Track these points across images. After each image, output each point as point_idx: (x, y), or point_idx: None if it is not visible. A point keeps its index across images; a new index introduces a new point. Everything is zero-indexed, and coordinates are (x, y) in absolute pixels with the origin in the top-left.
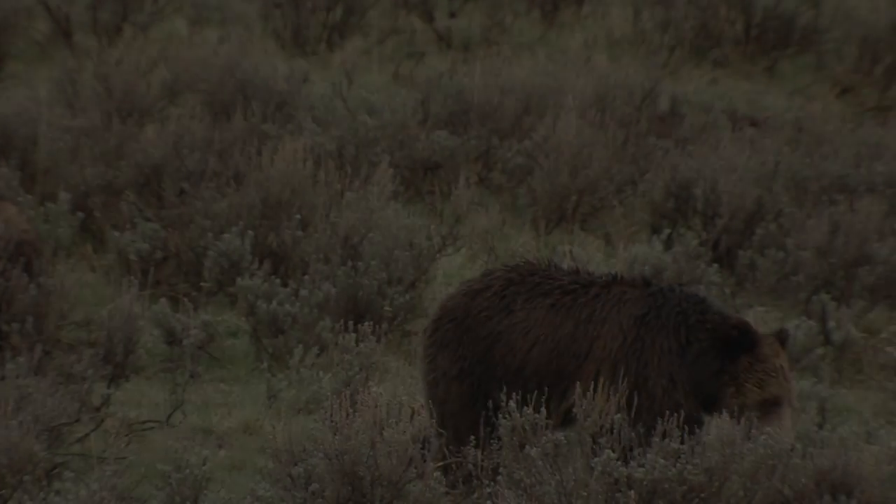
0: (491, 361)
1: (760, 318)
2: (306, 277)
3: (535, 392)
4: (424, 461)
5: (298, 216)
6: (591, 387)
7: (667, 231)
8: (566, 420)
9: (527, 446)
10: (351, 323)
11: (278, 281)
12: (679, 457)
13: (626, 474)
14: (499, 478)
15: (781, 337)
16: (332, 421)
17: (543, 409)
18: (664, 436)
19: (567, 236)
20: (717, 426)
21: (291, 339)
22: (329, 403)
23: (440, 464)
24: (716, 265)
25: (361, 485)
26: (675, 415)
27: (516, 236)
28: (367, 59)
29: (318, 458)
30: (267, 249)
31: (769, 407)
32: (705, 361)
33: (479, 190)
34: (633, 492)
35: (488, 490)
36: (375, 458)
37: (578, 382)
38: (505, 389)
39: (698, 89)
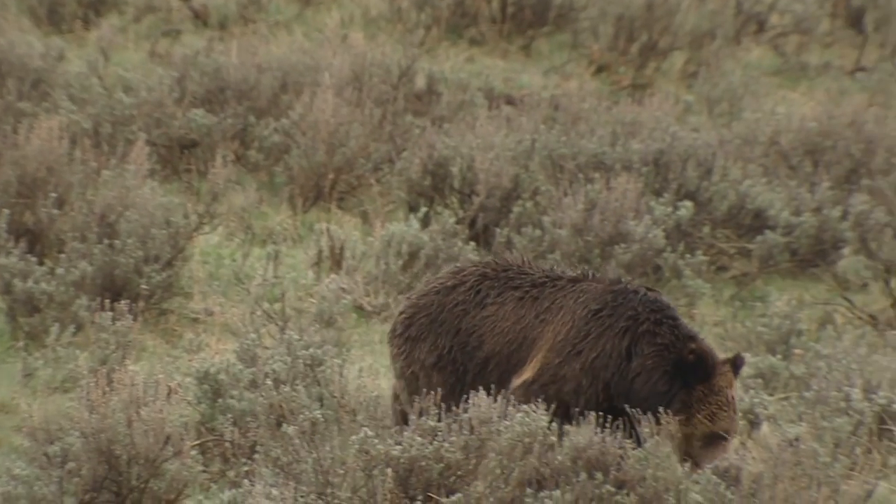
0: (466, 354)
1: None
2: (63, 256)
3: (496, 385)
4: (182, 439)
5: (55, 194)
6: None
7: (424, 209)
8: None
9: (284, 424)
10: (108, 301)
11: (34, 259)
12: (436, 434)
13: (384, 452)
14: (256, 456)
15: (736, 363)
16: (88, 399)
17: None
18: (420, 414)
19: (324, 214)
20: (475, 404)
21: (48, 317)
22: (85, 382)
23: (197, 442)
24: (472, 243)
25: (118, 463)
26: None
27: (273, 214)
28: (124, 36)
29: (74, 437)
30: (23, 227)
31: (716, 439)
32: (651, 378)
33: (236, 168)
34: (389, 469)
35: (245, 468)
36: (132, 436)
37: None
38: (471, 383)
39: (455, 68)
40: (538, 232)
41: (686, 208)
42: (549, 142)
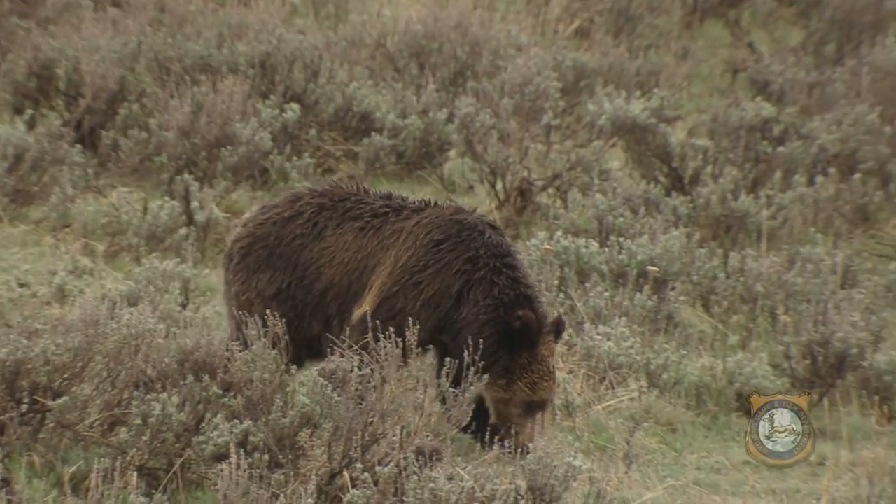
0: (304, 287)
1: (124, 198)
2: None
3: (335, 317)
4: None
5: None
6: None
7: (29, 111)
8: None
9: None
10: None
11: None
12: (42, 336)
13: None
14: None
15: (558, 327)
16: None
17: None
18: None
19: None
20: (81, 306)
21: None
22: None
23: None
24: (79, 146)
25: None
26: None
27: None
28: None
29: None
30: None
31: (533, 408)
32: (482, 334)
33: None
34: None
35: None
36: None
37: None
38: (312, 316)
39: None
40: (145, 134)
41: (293, 111)
42: (156, 44)
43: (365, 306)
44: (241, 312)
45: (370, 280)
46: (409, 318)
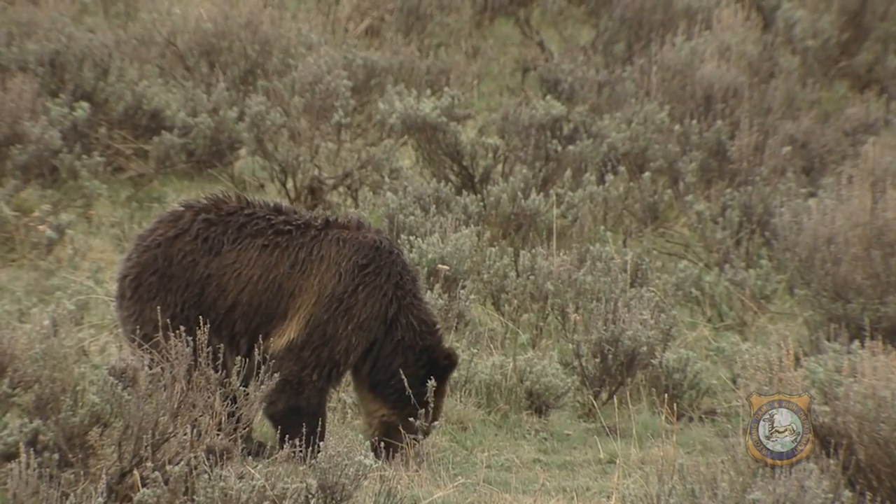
0: (203, 305)
1: None
2: None
3: (243, 336)
4: None
5: None
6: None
7: None
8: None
9: None
10: None
11: None
12: None
13: None
14: None
15: (451, 360)
16: None
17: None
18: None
19: None
20: None
21: None
22: None
23: None
24: None
25: None
26: (333, 369)
27: None
28: None
29: None
30: None
31: (408, 432)
32: (416, 357)
33: None
34: None
35: None
36: None
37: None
38: (215, 334)
39: None
40: None
41: (82, 109)
42: None
43: (289, 335)
44: (144, 347)
45: (289, 306)
46: (341, 343)
